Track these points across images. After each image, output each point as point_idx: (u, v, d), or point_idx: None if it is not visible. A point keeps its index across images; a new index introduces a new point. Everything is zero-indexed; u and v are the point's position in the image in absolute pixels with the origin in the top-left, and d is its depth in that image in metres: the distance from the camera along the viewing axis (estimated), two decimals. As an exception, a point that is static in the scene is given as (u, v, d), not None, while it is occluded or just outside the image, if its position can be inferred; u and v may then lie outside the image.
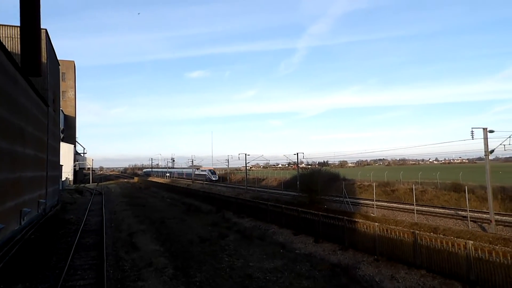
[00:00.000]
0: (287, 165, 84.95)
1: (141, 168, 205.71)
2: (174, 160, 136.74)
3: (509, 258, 12.04)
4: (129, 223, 26.44)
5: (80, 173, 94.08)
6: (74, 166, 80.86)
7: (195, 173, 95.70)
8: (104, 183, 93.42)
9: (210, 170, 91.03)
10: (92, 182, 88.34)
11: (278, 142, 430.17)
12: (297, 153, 53.79)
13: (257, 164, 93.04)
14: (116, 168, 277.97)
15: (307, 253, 18.31)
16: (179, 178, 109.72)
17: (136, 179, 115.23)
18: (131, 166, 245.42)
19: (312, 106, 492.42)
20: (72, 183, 75.50)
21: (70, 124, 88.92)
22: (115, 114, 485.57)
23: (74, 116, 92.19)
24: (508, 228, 22.82)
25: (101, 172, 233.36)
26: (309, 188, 36.79)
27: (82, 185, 76.00)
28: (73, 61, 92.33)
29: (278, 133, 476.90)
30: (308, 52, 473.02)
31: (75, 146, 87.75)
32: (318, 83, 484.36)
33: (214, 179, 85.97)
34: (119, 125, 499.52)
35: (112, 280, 12.95)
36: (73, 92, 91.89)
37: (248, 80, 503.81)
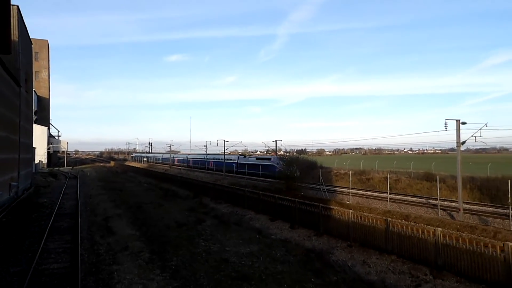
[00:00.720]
0: (265, 152, 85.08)
1: (118, 152, 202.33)
2: (151, 145, 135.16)
3: (474, 245, 12.60)
4: (105, 207, 26.15)
5: (54, 156, 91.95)
6: (48, 149, 78.92)
7: (248, 162, 55.82)
8: (79, 166, 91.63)
9: (278, 157, 50.95)
10: (66, 166, 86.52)
11: (257, 129, 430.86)
12: (276, 141, 54.13)
13: (236, 150, 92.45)
14: (92, 152, 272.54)
15: (283, 239, 18.63)
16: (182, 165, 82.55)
17: (112, 163, 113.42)
18: (107, 150, 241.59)
19: (292, 94, 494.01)
20: (46, 166, 73.76)
21: (43, 106, 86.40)
22: (91, 97, 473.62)
23: (48, 97, 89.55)
24: (475, 216, 23.79)
25: (76, 155, 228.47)
26: (286, 175, 37.24)
27: (56, 168, 74.40)
28: (47, 40, 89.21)
29: (257, 120, 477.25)
30: (288, 39, 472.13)
31: (49, 129, 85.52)
32: (298, 71, 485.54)
33: None
34: (95, 108, 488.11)
35: (86, 264, 12.86)
36: (47, 73, 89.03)
37: (228, 66, 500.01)
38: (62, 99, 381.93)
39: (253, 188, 32.77)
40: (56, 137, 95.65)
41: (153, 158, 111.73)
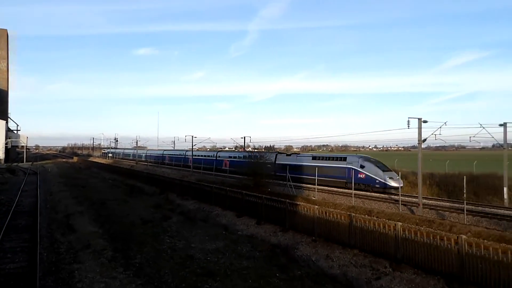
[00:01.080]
0: (234, 148, 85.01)
1: (81, 148, 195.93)
2: (117, 140, 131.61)
3: (431, 238, 13.15)
4: (66, 204, 25.35)
5: (12, 151, 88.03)
6: (6, 143, 75.38)
7: (303, 164, 40.87)
8: (40, 162, 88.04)
9: (360, 156, 36.85)
10: (26, 161, 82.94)
11: (226, 125, 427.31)
12: (244, 137, 54.27)
13: (204, 146, 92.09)
14: (54, 147, 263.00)
15: (249, 235, 18.75)
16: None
17: (75, 159, 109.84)
18: (70, 145, 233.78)
19: (262, 90, 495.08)
20: (3, 162, 70.47)
21: (1, 99, 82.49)
22: (54, 90, 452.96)
23: (6, 89, 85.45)
24: (433, 211, 24.85)
25: (37, 151, 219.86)
26: (254, 171, 37.45)
27: (15, 164, 71.23)
28: (6, 30, 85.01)
29: (226, 116, 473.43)
30: (259, 35, 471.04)
31: (7, 122, 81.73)
32: (268, 67, 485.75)
33: (392, 184, 31.72)
34: (59, 102, 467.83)
35: (45, 263, 12.47)
36: (5, 64, 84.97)
37: (197, 61, 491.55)
38: (22, 92, 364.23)
39: (221, 185, 32.69)
40: (15, 132, 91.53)
41: (137, 155, 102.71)
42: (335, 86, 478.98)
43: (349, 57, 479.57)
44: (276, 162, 44.69)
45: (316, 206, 18.76)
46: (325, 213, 17.74)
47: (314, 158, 40.72)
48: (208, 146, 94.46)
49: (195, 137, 60.80)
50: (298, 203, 20.25)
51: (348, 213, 17.30)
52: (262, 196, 22.49)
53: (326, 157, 40.28)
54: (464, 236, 12.48)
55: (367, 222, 15.69)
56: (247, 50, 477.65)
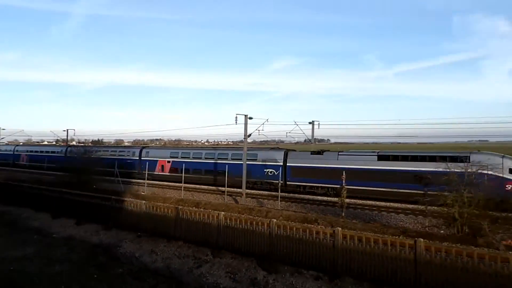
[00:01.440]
0: (54, 143, 75.64)
1: None
2: None
3: (248, 224, 14.46)
4: None
5: None
6: None
7: (431, 170, 21.46)
8: None
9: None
10: None
11: (45, 116, 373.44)
12: (67, 130, 49.07)
13: (16, 140, 79.28)
14: None
15: (66, 236, 17.15)
16: None
17: None
18: None
19: (89, 80, 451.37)
20: None
21: None
22: None
23: None
24: (254, 200, 27.36)
25: None
26: (79, 167, 34.18)
27: None
28: None
29: (46, 107, 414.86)
30: (86, 19, 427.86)
31: None
32: (97, 55, 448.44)
33: None
34: None
35: None
36: None
37: (8, 40, 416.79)
38: None
39: (37, 183, 28.71)
40: None
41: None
42: (170, 80, 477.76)
43: (186, 52, 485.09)
44: (287, 164, 31.00)
45: (144, 201, 18.44)
46: (153, 207, 17.57)
47: (382, 157, 26.77)
48: (22, 139, 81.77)
49: (3, 129, 51.87)
50: (124, 199, 19.51)
51: (176, 206, 17.53)
52: (84, 194, 20.83)
53: (410, 156, 26.09)
54: (274, 220, 14.13)
55: (193, 213, 16.20)
56: (72, 34, 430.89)
